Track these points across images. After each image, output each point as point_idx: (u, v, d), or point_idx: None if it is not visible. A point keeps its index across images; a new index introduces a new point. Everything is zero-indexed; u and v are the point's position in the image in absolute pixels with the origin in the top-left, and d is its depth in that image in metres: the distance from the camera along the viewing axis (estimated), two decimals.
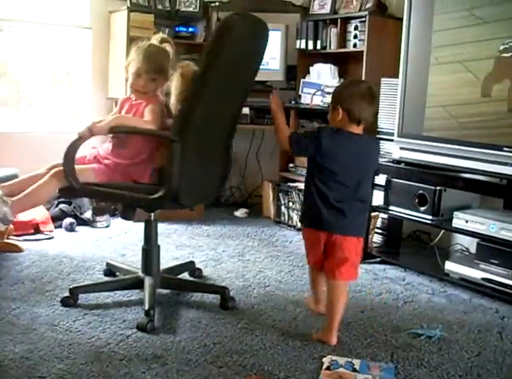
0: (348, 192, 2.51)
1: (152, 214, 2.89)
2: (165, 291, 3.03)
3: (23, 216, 3.88)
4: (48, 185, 2.74)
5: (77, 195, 3.23)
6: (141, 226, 2.96)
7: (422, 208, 3.45)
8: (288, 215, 4.59)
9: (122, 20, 4.59)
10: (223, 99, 2.72)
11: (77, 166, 2.71)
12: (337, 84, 4.25)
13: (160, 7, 4.78)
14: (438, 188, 3.38)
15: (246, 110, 4.40)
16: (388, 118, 3.82)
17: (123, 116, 2.91)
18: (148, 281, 2.81)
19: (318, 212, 2.53)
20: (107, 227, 4.35)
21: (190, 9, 4.86)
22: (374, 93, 2.59)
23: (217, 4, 4.81)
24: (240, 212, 4.88)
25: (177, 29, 4.88)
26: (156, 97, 2.92)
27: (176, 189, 2.60)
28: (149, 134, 2.80)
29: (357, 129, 2.53)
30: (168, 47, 2.97)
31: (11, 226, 3.79)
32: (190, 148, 2.60)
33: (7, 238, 3.74)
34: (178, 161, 2.57)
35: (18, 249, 3.63)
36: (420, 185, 3.46)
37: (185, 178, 2.61)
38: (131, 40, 4.56)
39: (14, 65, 4.76)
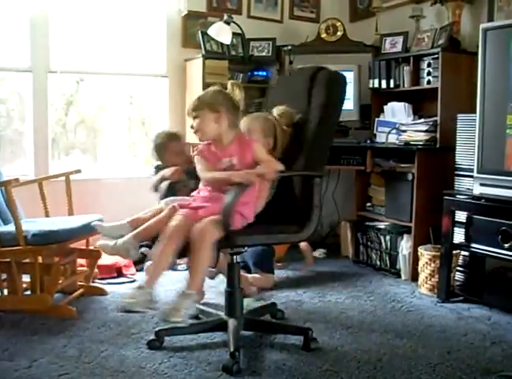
0: None
1: (235, 257, 2.91)
2: (247, 333, 3.04)
3: (106, 260, 4.01)
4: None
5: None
6: None
7: (506, 245, 3.35)
8: (367, 255, 4.54)
9: (197, 68, 4.74)
10: None
11: None
12: (412, 122, 4.25)
13: (233, 53, 4.91)
14: None
15: None
16: (466, 154, 3.77)
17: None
18: (232, 323, 2.83)
19: None
20: (187, 269, 4.41)
21: (263, 54, 4.98)
22: None
23: (289, 48, 4.90)
24: (318, 252, 4.85)
25: (250, 74, 4.99)
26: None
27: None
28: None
29: None
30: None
31: (96, 270, 3.92)
32: None
33: (92, 282, 3.86)
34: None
35: (103, 293, 3.74)
36: (503, 221, 3.36)
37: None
38: (207, 86, 4.69)
39: (91, 113, 4.97)
